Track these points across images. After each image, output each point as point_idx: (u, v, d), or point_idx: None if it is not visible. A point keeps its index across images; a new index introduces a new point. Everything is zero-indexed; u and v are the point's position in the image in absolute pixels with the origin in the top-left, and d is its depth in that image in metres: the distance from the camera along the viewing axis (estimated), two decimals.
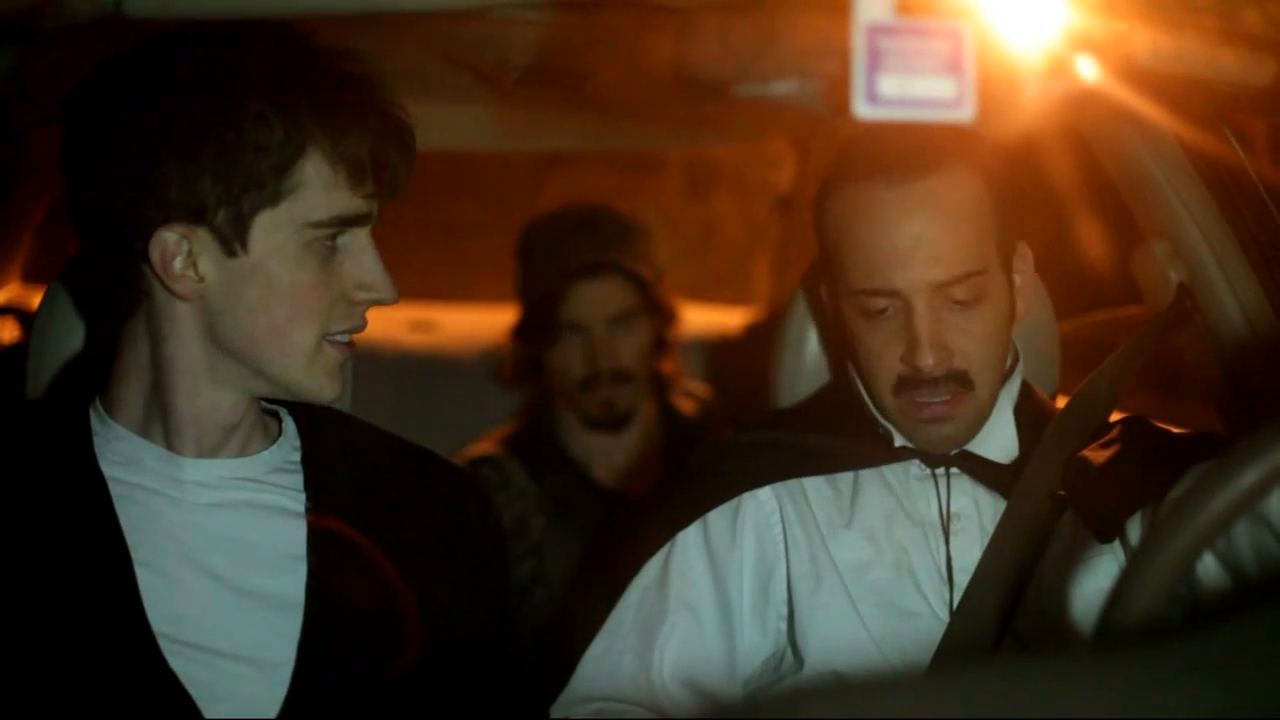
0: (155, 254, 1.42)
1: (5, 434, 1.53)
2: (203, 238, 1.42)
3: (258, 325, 1.44)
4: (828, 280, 1.80)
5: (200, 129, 1.39)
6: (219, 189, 1.40)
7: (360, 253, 1.47)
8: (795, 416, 1.92)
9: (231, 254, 1.42)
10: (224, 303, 1.44)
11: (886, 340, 1.69)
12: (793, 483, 1.79)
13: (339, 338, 1.49)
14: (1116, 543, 1.64)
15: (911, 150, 1.68)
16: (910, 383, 1.69)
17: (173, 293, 1.44)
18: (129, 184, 1.41)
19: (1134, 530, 1.59)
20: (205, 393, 1.48)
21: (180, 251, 1.42)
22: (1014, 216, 1.75)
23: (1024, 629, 1.68)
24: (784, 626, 1.78)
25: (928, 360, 1.65)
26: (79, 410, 1.52)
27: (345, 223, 1.45)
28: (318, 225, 1.44)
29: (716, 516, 1.78)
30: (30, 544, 1.44)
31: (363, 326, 1.51)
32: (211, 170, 1.40)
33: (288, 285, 1.44)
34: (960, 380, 1.69)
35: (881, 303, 1.68)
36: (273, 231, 1.42)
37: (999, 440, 1.77)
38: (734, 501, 1.79)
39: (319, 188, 1.43)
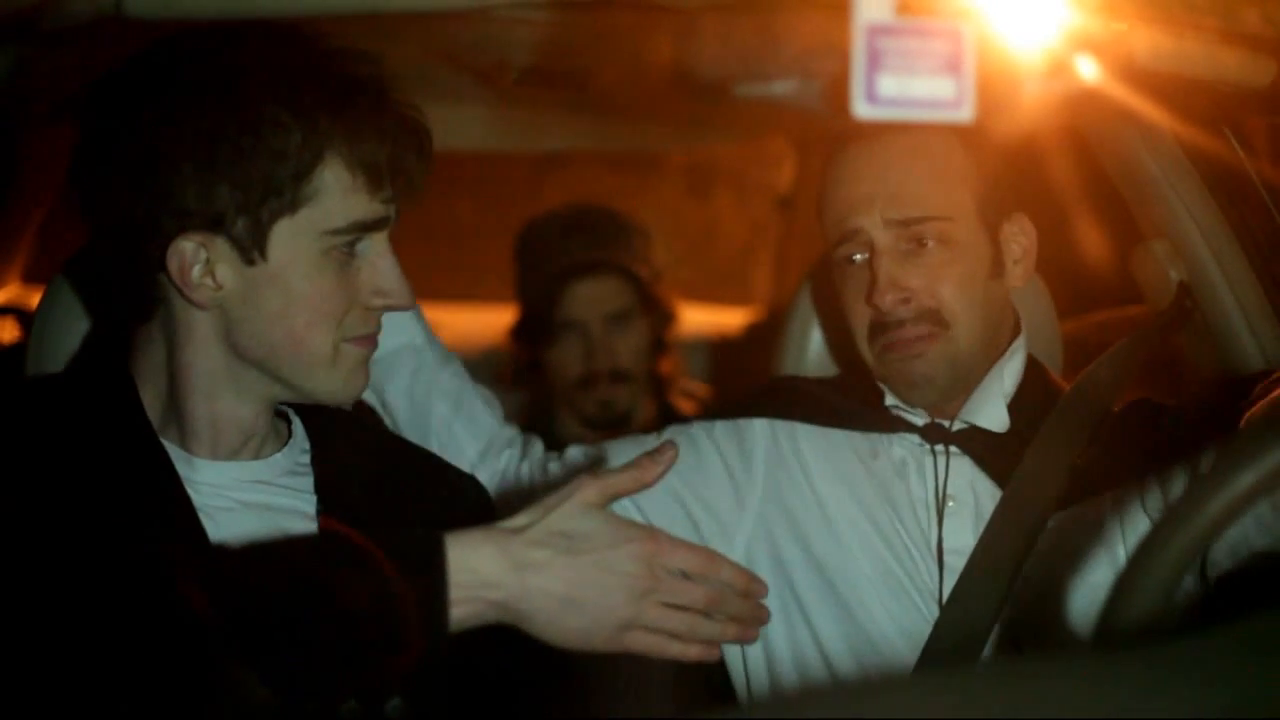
0: (173, 263, 1.40)
1: (48, 406, 1.48)
2: (220, 246, 1.40)
3: (276, 333, 1.43)
4: (828, 258, 1.82)
5: (217, 136, 1.37)
6: (237, 197, 1.38)
7: (378, 258, 1.46)
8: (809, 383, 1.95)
9: (250, 262, 1.40)
10: (242, 311, 1.42)
11: (858, 288, 1.73)
12: (793, 429, 1.84)
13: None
14: (1116, 537, 1.64)
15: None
16: (880, 327, 1.72)
17: (190, 301, 1.42)
18: (146, 193, 1.38)
19: (1152, 501, 1.59)
20: (223, 399, 1.46)
21: (198, 260, 1.40)
22: (1005, 185, 1.77)
23: (1014, 618, 1.68)
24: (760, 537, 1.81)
25: (885, 298, 1.69)
26: (127, 387, 1.48)
27: (364, 228, 1.43)
28: (336, 232, 1.42)
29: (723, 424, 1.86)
30: (96, 509, 1.38)
31: (378, 331, 1.50)
32: (229, 178, 1.37)
33: (306, 293, 1.42)
34: (932, 319, 1.71)
35: (852, 249, 1.73)
36: (292, 240, 1.40)
37: (989, 410, 1.76)
38: (740, 421, 1.85)
39: (337, 194, 1.41)
